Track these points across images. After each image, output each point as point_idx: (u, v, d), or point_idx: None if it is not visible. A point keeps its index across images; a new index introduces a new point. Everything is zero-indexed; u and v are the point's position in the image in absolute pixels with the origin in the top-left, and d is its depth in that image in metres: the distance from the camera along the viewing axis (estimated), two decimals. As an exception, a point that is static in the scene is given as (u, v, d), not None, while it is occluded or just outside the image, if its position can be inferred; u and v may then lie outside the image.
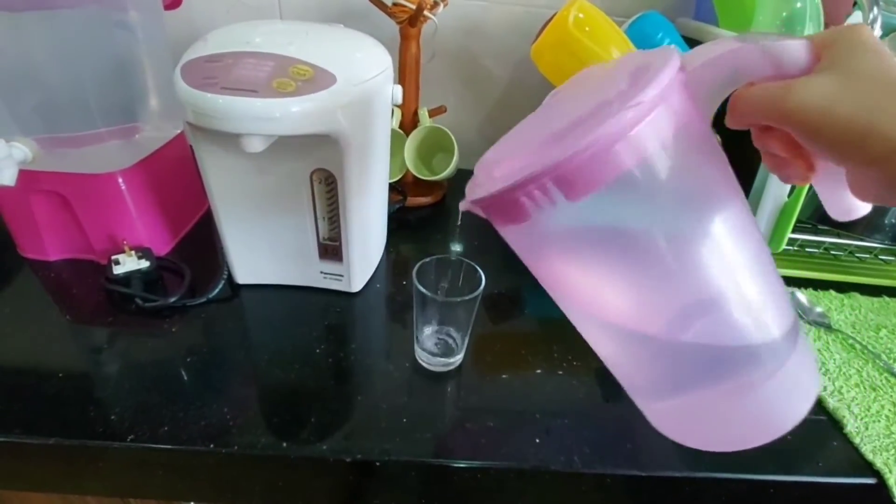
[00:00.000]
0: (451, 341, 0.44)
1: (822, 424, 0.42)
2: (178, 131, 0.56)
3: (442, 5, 0.60)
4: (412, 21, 0.58)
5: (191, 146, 0.42)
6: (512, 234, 0.31)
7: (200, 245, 0.57)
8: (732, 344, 0.28)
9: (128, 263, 0.48)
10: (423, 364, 0.43)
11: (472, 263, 0.42)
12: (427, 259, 0.42)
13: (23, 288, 0.49)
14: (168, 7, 0.52)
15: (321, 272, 0.49)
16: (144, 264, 0.49)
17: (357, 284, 0.50)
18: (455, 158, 0.65)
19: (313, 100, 0.34)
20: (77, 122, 0.47)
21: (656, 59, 0.25)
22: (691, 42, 0.57)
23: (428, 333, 0.44)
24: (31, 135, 0.45)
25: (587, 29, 0.50)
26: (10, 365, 0.40)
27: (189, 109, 0.34)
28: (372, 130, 0.44)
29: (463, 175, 0.74)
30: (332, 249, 0.48)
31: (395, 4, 0.58)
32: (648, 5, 0.68)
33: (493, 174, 0.29)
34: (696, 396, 0.30)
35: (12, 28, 0.40)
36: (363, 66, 0.40)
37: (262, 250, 0.48)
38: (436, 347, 0.44)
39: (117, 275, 0.47)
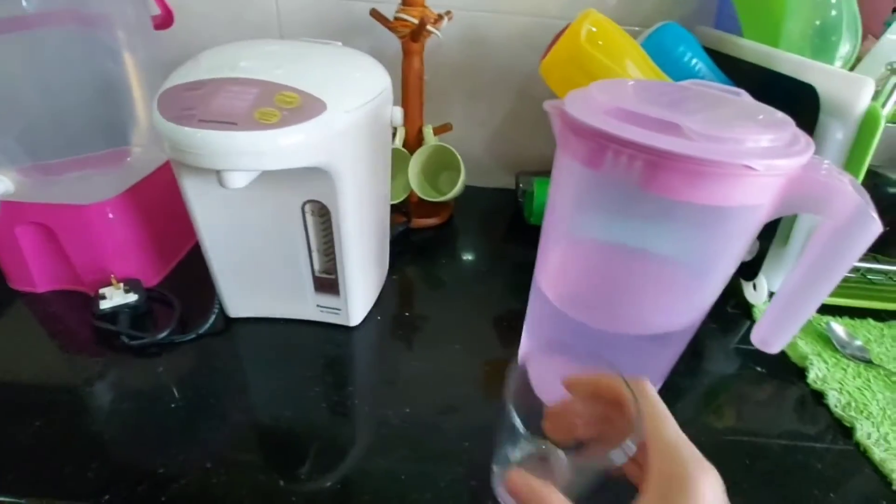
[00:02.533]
0: None
1: (869, 480, 0.38)
2: (171, 155, 0.54)
3: (446, 19, 0.56)
4: (414, 36, 0.55)
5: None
6: (566, 162, 0.32)
7: (194, 274, 0.54)
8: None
9: (115, 297, 0.46)
10: None
11: None
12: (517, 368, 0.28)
13: (12, 321, 0.47)
14: (158, 27, 0.50)
15: (318, 305, 0.46)
16: (132, 298, 0.46)
17: (356, 318, 0.47)
18: (462, 178, 0.62)
19: (299, 131, 0.31)
20: (61, 148, 0.45)
21: (802, 136, 0.27)
22: (713, 54, 0.53)
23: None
24: (15, 164, 0.43)
25: (600, 43, 0.46)
26: (-12, 410, 0.38)
27: (166, 143, 0.32)
28: (369, 158, 0.41)
29: (470, 193, 0.71)
30: (328, 283, 0.45)
31: (396, 19, 0.55)
32: (664, 13, 0.64)
33: (600, 98, 0.29)
34: None
35: (-12, 51, 0.38)
36: (357, 90, 0.37)
37: (255, 284, 0.45)
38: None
39: (104, 310, 0.45)
